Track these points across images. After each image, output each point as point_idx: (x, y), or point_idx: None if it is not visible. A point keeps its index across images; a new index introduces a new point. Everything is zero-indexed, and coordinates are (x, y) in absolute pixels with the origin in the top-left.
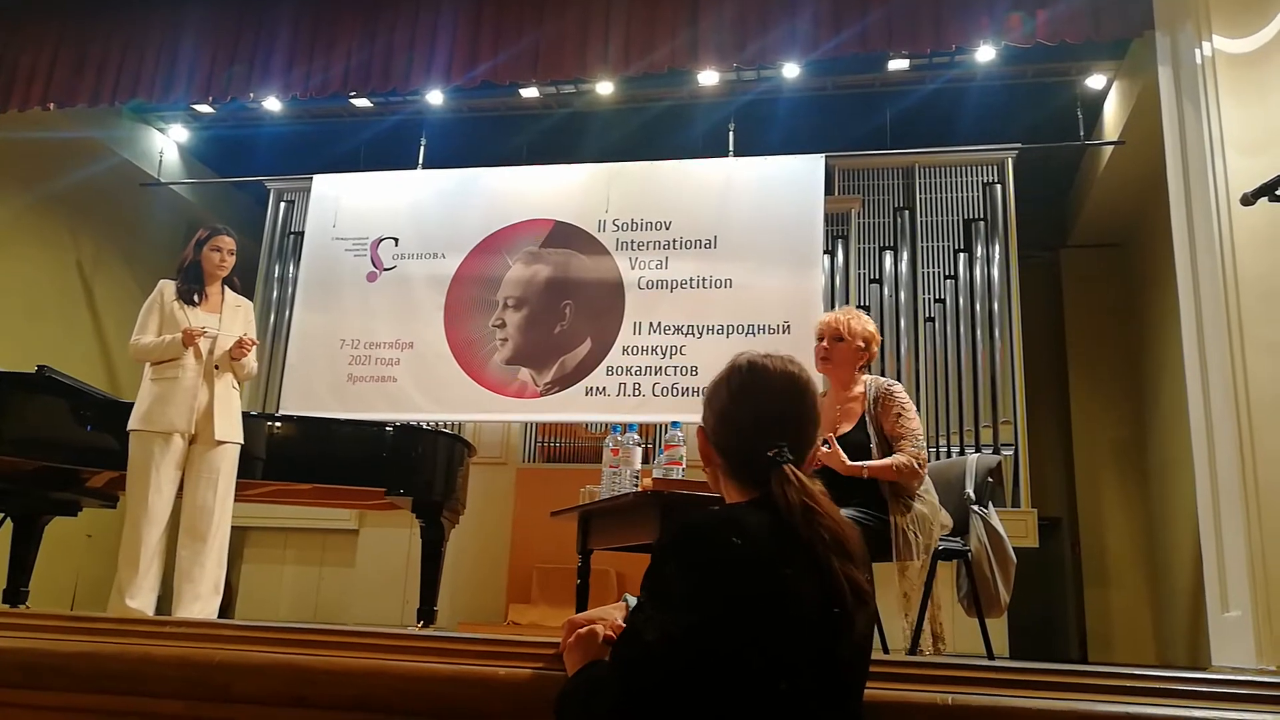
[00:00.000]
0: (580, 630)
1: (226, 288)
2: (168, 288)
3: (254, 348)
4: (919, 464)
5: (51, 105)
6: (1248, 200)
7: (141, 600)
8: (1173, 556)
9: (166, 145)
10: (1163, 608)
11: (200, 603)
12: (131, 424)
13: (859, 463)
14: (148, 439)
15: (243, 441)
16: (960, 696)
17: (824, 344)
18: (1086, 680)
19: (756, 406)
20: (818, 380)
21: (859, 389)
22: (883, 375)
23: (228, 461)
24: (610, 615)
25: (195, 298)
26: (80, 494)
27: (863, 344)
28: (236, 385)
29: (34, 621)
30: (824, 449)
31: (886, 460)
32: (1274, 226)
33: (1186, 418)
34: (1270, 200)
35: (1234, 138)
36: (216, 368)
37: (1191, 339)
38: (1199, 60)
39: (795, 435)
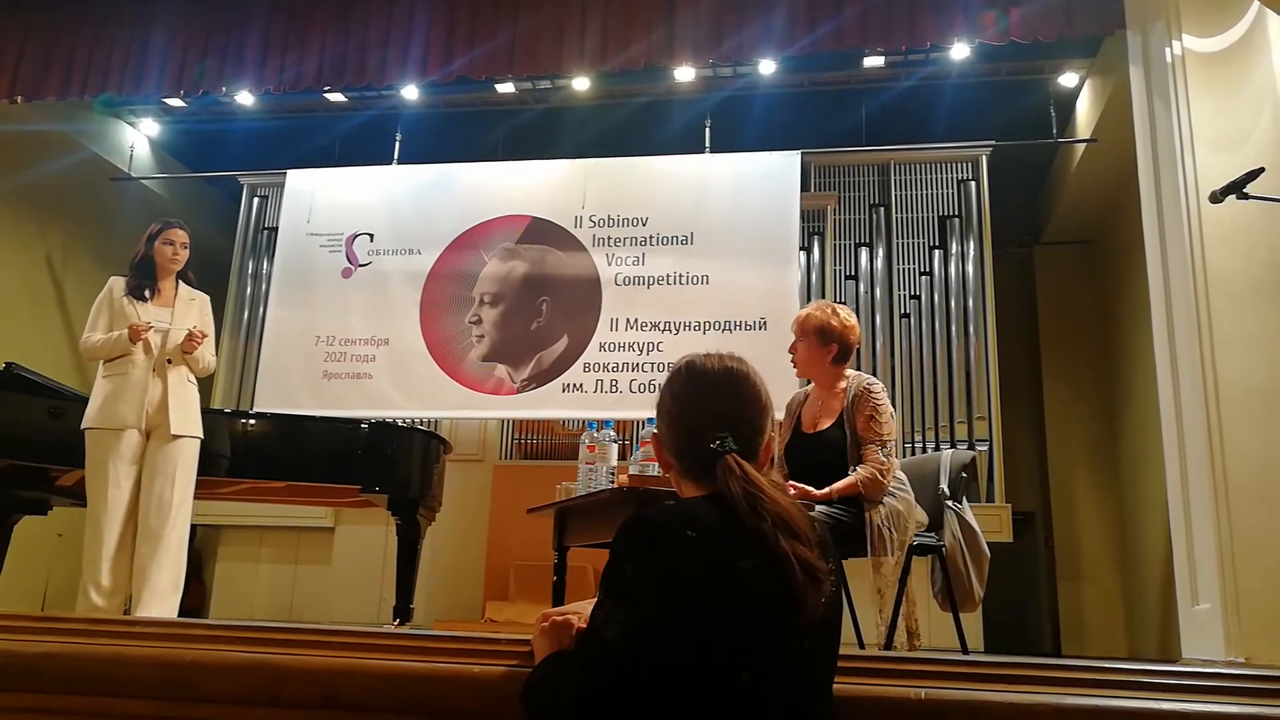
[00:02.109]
0: (555, 619)
1: (181, 282)
2: (117, 284)
3: (207, 340)
4: (881, 473)
5: (19, 99)
6: (1216, 198)
7: (109, 599)
8: (1144, 550)
9: (137, 139)
10: (1134, 601)
11: (159, 600)
12: (85, 422)
13: (825, 490)
14: (102, 436)
15: (201, 436)
16: (933, 691)
17: (791, 346)
18: (1059, 674)
19: (697, 404)
20: (789, 381)
21: (842, 385)
22: (856, 371)
23: (185, 456)
24: (585, 610)
25: (146, 293)
26: (50, 492)
27: (819, 337)
28: (193, 379)
29: (3, 622)
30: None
31: (849, 479)
32: (1243, 224)
33: (1158, 413)
34: (1239, 198)
35: (1204, 135)
36: (169, 362)
37: (1162, 335)
38: (1169, 59)
39: (737, 427)
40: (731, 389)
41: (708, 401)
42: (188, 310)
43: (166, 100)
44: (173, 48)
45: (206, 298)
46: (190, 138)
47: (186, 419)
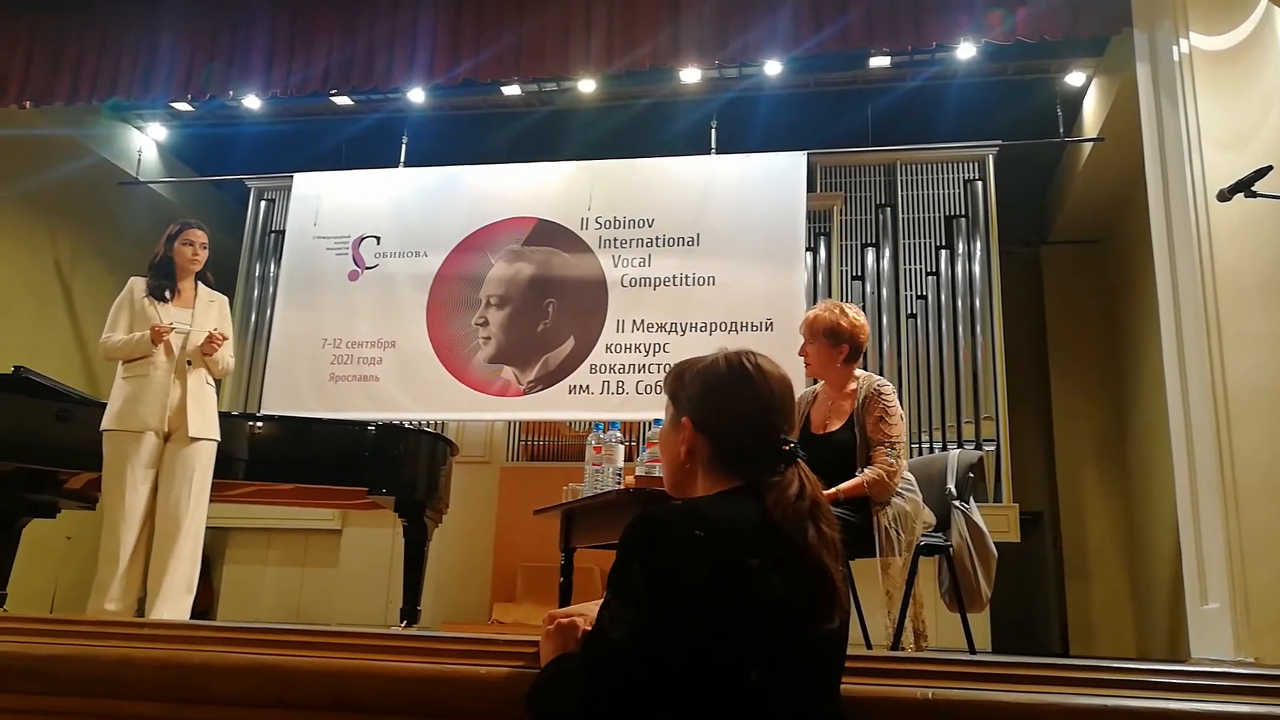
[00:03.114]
0: (561, 621)
1: (200, 283)
2: (138, 284)
3: (226, 342)
4: (888, 475)
5: (27, 104)
6: (1224, 196)
7: (122, 602)
8: (1152, 550)
9: (145, 144)
10: (1143, 600)
11: (171, 601)
12: (105, 424)
13: (831, 490)
14: (121, 438)
15: (219, 439)
16: (941, 691)
17: (801, 349)
18: (1066, 674)
19: (762, 396)
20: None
21: (852, 386)
22: (865, 371)
23: (202, 459)
24: (592, 611)
25: (167, 294)
26: (58, 495)
27: (829, 339)
28: (211, 381)
29: (11, 625)
30: None
31: (857, 480)
32: (1251, 222)
33: (1166, 412)
34: (1247, 196)
35: (1211, 134)
36: (189, 364)
37: (1170, 334)
38: (1177, 57)
39: (791, 430)
40: (786, 395)
41: (772, 396)
42: (208, 312)
43: (174, 104)
44: (179, 52)
45: (225, 299)
46: (197, 142)
47: (205, 422)
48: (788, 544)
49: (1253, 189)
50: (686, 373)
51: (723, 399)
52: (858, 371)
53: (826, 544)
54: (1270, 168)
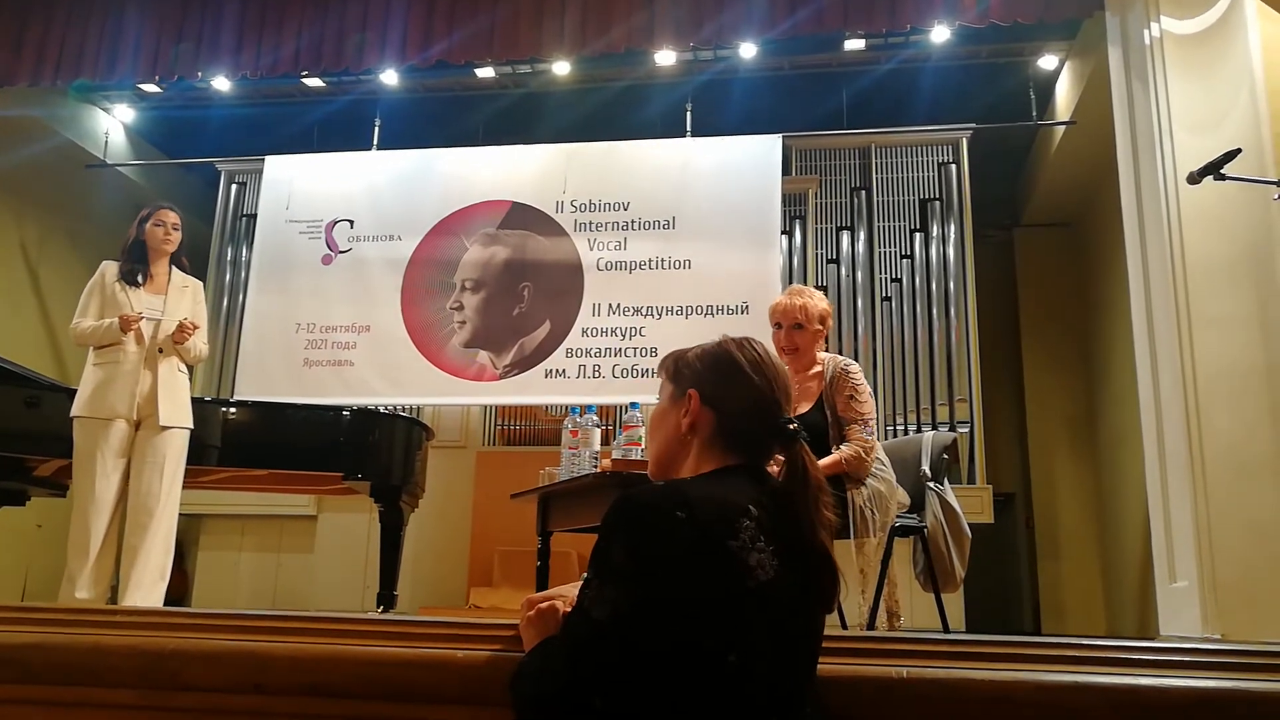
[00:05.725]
0: (541, 605)
1: (174, 267)
2: (110, 268)
3: (200, 329)
4: (865, 451)
5: None
6: (1194, 179)
7: (93, 590)
8: (1123, 530)
9: (112, 126)
10: (1113, 579)
11: (144, 590)
12: (75, 410)
13: None
14: (91, 425)
15: (191, 426)
16: (915, 670)
17: (783, 333)
18: (1039, 651)
19: (768, 376)
20: None
21: (818, 368)
22: (840, 354)
23: (174, 447)
24: (569, 593)
25: (139, 278)
26: (28, 483)
27: (820, 325)
28: (184, 368)
29: None
30: None
31: (833, 457)
32: (1220, 204)
33: (1136, 394)
34: (1216, 179)
35: (1182, 117)
36: (160, 351)
37: (1140, 316)
38: (1148, 40)
39: (790, 414)
40: (787, 381)
41: (777, 384)
42: (180, 298)
43: (141, 86)
44: (147, 32)
45: (199, 284)
46: (166, 124)
47: (176, 410)
48: (788, 527)
49: (1222, 171)
50: (689, 353)
51: (731, 375)
52: (821, 354)
53: (827, 529)
54: (1239, 150)
